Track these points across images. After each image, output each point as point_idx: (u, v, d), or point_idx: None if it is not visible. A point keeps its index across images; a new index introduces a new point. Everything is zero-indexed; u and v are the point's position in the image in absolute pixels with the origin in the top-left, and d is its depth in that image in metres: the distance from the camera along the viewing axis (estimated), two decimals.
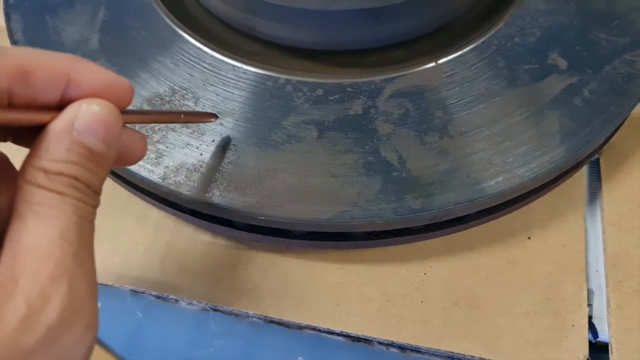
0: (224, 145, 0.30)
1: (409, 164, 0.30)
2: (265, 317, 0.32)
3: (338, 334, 0.31)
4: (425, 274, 0.32)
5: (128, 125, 0.23)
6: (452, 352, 0.30)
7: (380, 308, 0.31)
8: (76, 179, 0.19)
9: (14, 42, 0.35)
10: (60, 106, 0.19)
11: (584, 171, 0.35)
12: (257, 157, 0.30)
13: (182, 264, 0.33)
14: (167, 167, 0.30)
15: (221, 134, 0.31)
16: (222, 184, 0.30)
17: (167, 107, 0.32)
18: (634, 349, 0.29)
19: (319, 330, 0.31)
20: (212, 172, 0.30)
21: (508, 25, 0.33)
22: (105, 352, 0.34)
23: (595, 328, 0.30)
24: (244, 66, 0.32)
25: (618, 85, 0.32)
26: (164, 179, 0.30)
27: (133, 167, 0.30)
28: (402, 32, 0.34)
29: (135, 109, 0.22)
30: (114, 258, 0.33)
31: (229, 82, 0.32)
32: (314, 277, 0.32)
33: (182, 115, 0.28)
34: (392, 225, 0.30)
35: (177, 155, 0.30)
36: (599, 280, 0.32)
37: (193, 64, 0.33)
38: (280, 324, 0.32)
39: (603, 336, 0.30)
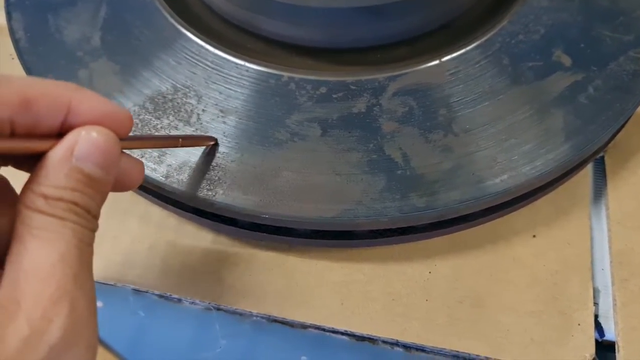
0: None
1: (413, 162, 0.30)
2: (269, 316, 0.31)
3: (342, 333, 0.31)
4: (430, 272, 0.32)
5: (126, 151, 0.24)
6: (457, 351, 0.30)
7: (384, 307, 0.31)
8: (75, 204, 0.19)
9: (15, 40, 0.35)
10: (60, 134, 0.20)
11: (589, 169, 0.35)
12: (261, 156, 0.30)
13: (184, 263, 0.33)
14: (170, 165, 0.30)
15: (224, 132, 0.31)
16: (225, 183, 0.30)
17: (169, 105, 0.32)
18: None
19: (323, 330, 0.31)
20: (215, 170, 0.30)
21: (512, 22, 0.33)
22: (108, 352, 0.33)
23: (601, 327, 0.30)
24: (247, 64, 0.32)
25: (623, 82, 0.32)
26: (166, 177, 0.30)
27: None
28: (406, 30, 0.34)
29: (133, 135, 0.23)
30: (117, 257, 0.33)
31: (231, 80, 0.32)
32: (318, 276, 0.32)
33: (180, 140, 0.28)
34: (397, 224, 0.30)
35: (180, 154, 0.30)
36: (604, 279, 0.32)
37: (195, 61, 0.33)
38: (284, 323, 0.32)
39: (609, 335, 0.30)
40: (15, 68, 0.37)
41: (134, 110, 0.32)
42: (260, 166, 0.30)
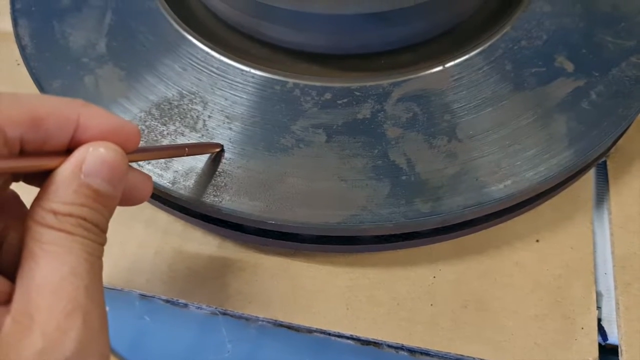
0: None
1: (417, 168, 0.30)
2: (275, 320, 0.32)
3: (347, 338, 0.31)
4: (434, 277, 0.32)
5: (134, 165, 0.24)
6: (461, 355, 0.30)
7: (389, 311, 0.31)
8: (84, 219, 0.20)
9: (21, 47, 0.35)
10: (68, 149, 0.20)
11: (591, 174, 0.35)
12: (266, 162, 0.30)
13: (191, 268, 0.33)
14: (177, 171, 0.30)
15: (230, 139, 0.31)
16: (231, 189, 0.30)
17: (175, 111, 0.32)
18: None
19: (329, 334, 0.31)
20: (222, 176, 0.30)
21: (514, 28, 0.33)
22: (114, 357, 0.34)
23: (604, 330, 0.31)
24: (252, 70, 0.32)
25: (625, 87, 0.32)
26: (173, 183, 0.30)
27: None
28: (410, 36, 0.34)
29: (140, 147, 0.23)
30: (123, 262, 0.33)
31: (237, 86, 0.32)
32: (323, 280, 0.32)
33: (187, 149, 0.28)
34: (402, 229, 0.30)
35: (186, 160, 0.31)
36: (607, 283, 0.32)
37: (201, 68, 0.33)
38: (290, 327, 0.32)
39: (612, 339, 0.30)
40: (21, 74, 0.37)
41: (140, 117, 0.32)
42: (266, 172, 0.30)
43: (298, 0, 0.31)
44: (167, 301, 0.33)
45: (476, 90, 0.32)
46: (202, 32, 0.35)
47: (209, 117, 0.32)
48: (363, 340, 0.31)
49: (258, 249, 0.33)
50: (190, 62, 0.33)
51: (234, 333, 0.32)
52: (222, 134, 0.31)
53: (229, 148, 0.31)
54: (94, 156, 0.20)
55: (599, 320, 0.31)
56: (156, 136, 0.31)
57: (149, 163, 0.31)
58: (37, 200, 0.20)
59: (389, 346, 0.31)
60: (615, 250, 0.32)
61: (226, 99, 0.32)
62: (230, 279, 0.33)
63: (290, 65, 0.34)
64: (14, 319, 0.18)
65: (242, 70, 0.33)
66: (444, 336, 0.30)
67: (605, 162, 0.36)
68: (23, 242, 0.19)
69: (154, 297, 0.33)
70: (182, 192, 0.30)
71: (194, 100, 0.32)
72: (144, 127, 0.32)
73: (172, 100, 0.32)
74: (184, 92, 0.32)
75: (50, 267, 0.19)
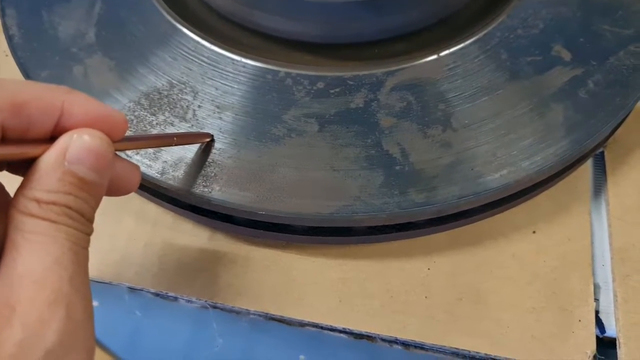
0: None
1: (411, 158, 0.29)
2: (266, 314, 0.31)
3: (340, 331, 0.31)
4: (429, 269, 0.32)
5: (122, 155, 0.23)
6: (457, 349, 0.29)
7: (383, 304, 0.31)
8: (69, 207, 0.19)
9: (9, 37, 0.35)
10: (52, 137, 0.20)
11: (588, 164, 0.35)
12: (258, 151, 0.30)
13: (181, 260, 0.33)
14: (166, 162, 0.30)
15: (220, 128, 0.30)
16: (221, 179, 0.29)
17: (164, 100, 0.31)
18: None
19: (321, 327, 0.31)
20: (212, 166, 0.30)
21: (510, 17, 0.33)
22: (104, 352, 0.33)
23: (602, 323, 0.30)
24: (243, 59, 0.32)
25: (623, 77, 0.31)
26: (162, 174, 0.30)
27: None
28: (404, 25, 0.34)
29: (128, 136, 0.23)
30: (112, 255, 0.33)
31: (228, 75, 0.32)
32: (316, 273, 0.32)
33: (175, 138, 0.28)
34: (396, 220, 0.29)
35: (175, 150, 0.30)
36: (605, 275, 0.31)
37: (191, 57, 0.32)
38: (281, 321, 0.31)
39: (610, 331, 0.30)
40: (9, 65, 0.36)
41: (129, 107, 0.31)
42: (257, 162, 0.30)
43: None
44: (157, 295, 0.32)
45: (471, 80, 0.31)
46: (193, 22, 0.34)
47: (199, 106, 0.31)
48: (356, 334, 0.31)
49: (249, 241, 0.33)
50: (181, 51, 0.33)
51: (224, 327, 0.32)
52: (213, 123, 0.31)
53: (219, 138, 0.30)
54: (78, 143, 0.20)
55: (597, 312, 0.30)
56: (145, 126, 0.31)
57: (138, 153, 0.30)
58: (21, 189, 0.19)
59: (383, 340, 0.31)
60: (613, 242, 0.32)
61: (217, 89, 0.31)
62: (221, 271, 0.32)
63: (282, 54, 0.34)
64: None
65: (233, 59, 0.32)
66: (439, 329, 0.30)
67: (602, 152, 0.35)
68: (6, 233, 0.19)
69: (143, 291, 0.32)
70: (171, 182, 0.29)
71: (184, 90, 0.32)
72: (132, 117, 0.31)
73: (162, 90, 0.32)
74: (174, 81, 0.32)
75: (33, 257, 0.18)
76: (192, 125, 0.31)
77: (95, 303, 0.32)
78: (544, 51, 0.32)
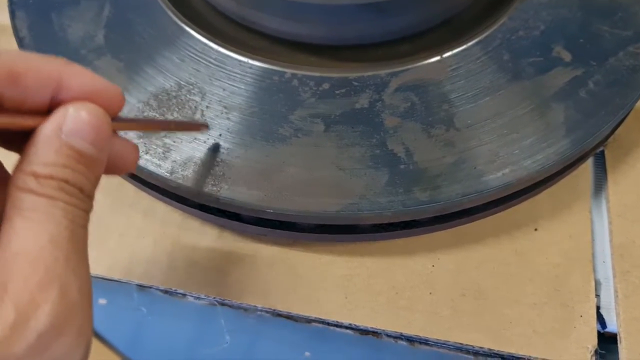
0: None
1: (416, 157, 0.30)
2: (273, 310, 0.32)
3: (346, 327, 0.31)
4: (433, 266, 0.32)
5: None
6: (460, 344, 0.30)
7: (388, 300, 0.31)
8: (66, 181, 0.19)
9: (19, 39, 0.35)
10: (49, 110, 0.20)
11: (589, 163, 0.35)
12: (265, 151, 0.30)
13: (189, 258, 0.33)
14: (175, 161, 0.30)
15: (228, 129, 0.31)
16: (229, 178, 0.30)
17: (173, 101, 0.32)
18: None
19: (327, 324, 0.31)
20: (220, 165, 0.30)
21: (512, 18, 0.34)
22: (111, 350, 0.33)
23: (603, 318, 0.31)
24: (250, 61, 0.32)
25: (622, 77, 0.32)
26: (171, 173, 0.30)
27: (140, 162, 0.30)
28: (407, 26, 0.34)
29: (127, 117, 0.22)
30: (121, 253, 0.33)
31: (235, 76, 0.32)
32: (322, 270, 0.32)
33: (173, 125, 0.28)
34: (400, 218, 0.30)
35: (184, 150, 0.31)
36: (606, 271, 0.32)
37: (199, 59, 0.33)
38: (288, 317, 0.32)
39: (611, 326, 0.30)
40: None
41: (139, 107, 0.32)
42: (264, 162, 0.30)
43: None
44: (166, 292, 0.33)
45: (474, 80, 0.32)
46: (200, 24, 0.35)
47: (207, 107, 0.32)
48: (362, 330, 0.31)
49: (256, 238, 0.33)
50: (189, 53, 0.33)
51: (232, 323, 0.32)
52: (220, 123, 0.31)
53: (227, 138, 0.31)
54: (74, 116, 0.19)
55: (598, 308, 0.31)
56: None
57: (147, 152, 0.30)
58: (18, 164, 0.19)
59: (388, 335, 0.31)
60: (613, 239, 0.32)
61: (224, 90, 0.32)
62: (228, 268, 0.33)
63: (288, 56, 0.34)
64: None
65: (240, 61, 0.33)
66: (443, 325, 0.30)
67: (603, 151, 0.36)
68: (4, 210, 0.18)
69: (151, 288, 0.33)
70: (180, 181, 0.30)
71: (192, 91, 0.32)
72: (142, 117, 0.32)
73: (170, 91, 0.32)
74: (182, 83, 0.32)
75: (27, 235, 0.18)
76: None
77: (103, 300, 0.33)
78: (544, 52, 0.33)
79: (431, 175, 0.29)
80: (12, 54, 0.19)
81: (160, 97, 0.32)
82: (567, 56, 0.33)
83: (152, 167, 0.30)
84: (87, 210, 0.20)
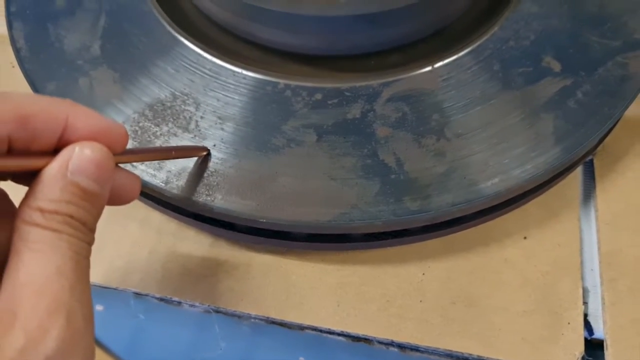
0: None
1: (406, 167, 0.30)
2: (267, 317, 0.32)
3: (338, 334, 0.32)
4: (423, 274, 0.33)
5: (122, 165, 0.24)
6: (450, 351, 0.31)
7: (379, 308, 0.32)
8: (71, 216, 0.20)
9: (16, 49, 0.36)
10: (56, 149, 0.21)
11: (578, 172, 0.36)
12: (258, 161, 0.31)
13: (184, 267, 0.34)
14: (170, 171, 0.31)
15: (222, 139, 0.31)
16: (223, 188, 0.30)
17: (168, 112, 0.32)
18: (628, 345, 0.30)
19: (320, 331, 0.32)
20: (214, 175, 0.31)
21: (503, 29, 0.34)
22: (109, 356, 0.34)
23: (590, 325, 0.31)
24: (244, 71, 0.33)
25: (611, 87, 0.32)
26: (166, 183, 0.31)
27: (136, 172, 0.31)
28: (399, 37, 0.35)
29: (128, 148, 0.23)
30: (118, 261, 0.34)
31: (229, 87, 0.33)
32: (315, 278, 0.33)
33: (174, 152, 0.29)
34: (391, 227, 0.30)
35: (179, 160, 0.31)
36: (594, 279, 0.32)
37: (193, 69, 0.33)
38: (282, 324, 0.32)
39: (598, 333, 0.31)
40: (16, 76, 0.37)
41: (134, 118, 0.32)
42: (258, 171, 0.31)
43: (288, 2, 0.32)
44: (161, 299, 0.33)
45: (465, 90, 0.32)
46: (195, 35, 0.35)
47: (202, 117, 0.32)
48: (354, 337, 0.32)
49: (250, 247, 0.34)
50: (183, 63, 0.34)
51: (227, 331, 0.33)
52: (215, 134, 0.32)
53: (221, 148, 0.31)
54: (80, 155, 0.20)
55: (585, 315, 0.31)
56: (149, 137, 0.32)
57: (143, 163, 0.31)
58: (25, 199, 0.20)
59: (380, 342, 0.32)
60: (601, 247, 0.33)
61: (218, 100, 0.32)
62: (223, 277, 0.33)
63: (281, 66, 0.35)
64: None
65: (234, 71, 0.33)
66: (433, 332, 0.31)
67: (592, 160, 0.36)
68: (11, 242, 0.19)
69: (147, 296, 0.33)
70: (175, 191, 0.30)
71: (187, 102, 0.33)
72: (137, 128, 0.32)
73: (165, 102, 0.33)
74: (177, 93, 0.33)
75: (35, 266, 0.19)
76: (195, 136, 0.32)
77: (100, 307, 0.34)
78: (534, 62, 0.33)
79: (421, 185, 0.30)
80: (22, 97, 0.20)
81: (155, 107, 0.33)
82: (556, 66, 0.33)
83: (147, 178, 0.31)
84: (90, 242, 0.21)
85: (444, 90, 0.32)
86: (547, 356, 0.30)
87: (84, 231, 0.20)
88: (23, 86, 0.35)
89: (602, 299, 0.31)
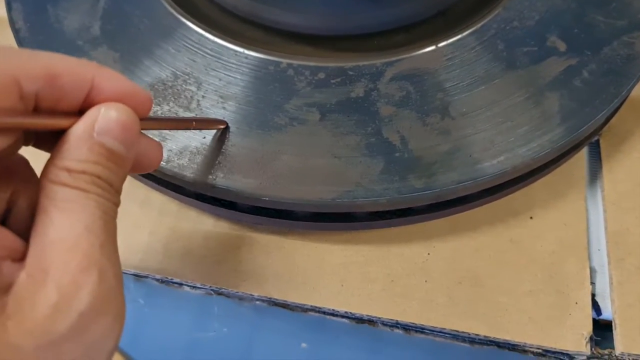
0: (224, 131, 0.31)
1: (411, 145, 0.30)
2: (269, 298, 0.32)
3: (342, 316, 0.31)
4: (429, 254, 0.32)
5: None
6: (456, 331, 0.30)
7: (384, 288, 0.31)
8: (98, 177, 0.20)
9: (15, 30, 0.36)
10: (81, 111, 0.20)
11: (584, 152, 0.35)
12: (260, 140, 0.30)
13: (185, 247, 0.33)
14: (171, 150, 0.30)
15: (224, 118, 0.31)
16: (225, 166, 0.30)
17: (169, 91, 0.32)
18: (636, 325, 0.29)
19: (323, 312, 0.32)
20: (216, 154, 0.30)
21: (507, 9, 0.34)
22: None
23: (598, 305, 0.31)
24: (246, 51, 0.33)
25: (617, 66, 0.32)
26: (167, 162, 0.30)
27: None
28: (403, 17, 0.34)
29: (151, 116, 0.23)
30: (118, 242, 0.33)
31: (231, 67, 0.32)
32: (318, 258, 0.32)
33: (194, 123, 0.29)
34: (396, 205, 0.30)
35: (180, 139, 0.31)
36: (601, 259, 0.32)
37: (195, 49, 0.33)
38: (285, 306, 0.32)
39: (606, 313, 0.30)
40: None
41: None
42: (260, 150, 0.30)
43: None
44: (162, 281, 0.33)
45: (469, 69, 0.32)
46: (197, 15, 0.35)
47: (203, 97, 0.32)
48: (358, 319, 0.31)
49: (252, 227, 0.34)
50: (185, 44, 0.33)
51: (228, 312, 0.32)
52: (216, 113, 0.31)
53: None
54: (106, 116, 0.20)
55: (593, 295, 0.31)
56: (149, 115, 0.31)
57: None
58: (51, 159, 0.20)
59: (384, 324, 0.31)
60: (608, 227, 0.32)
61: (220, 80, 0.32)
62: (224, 257, 0.33)
63: (284, 46, 0.35)
64: (28, 274, 0.18)
65: (236, 51, 0.33)
66: (439, 312, 0.30)
67: (598, 140, 0.36)
68: (37, 202, 0.19)
69: (148, 278, 0.33)
70: (176, 170, 0.30)
71: (188, 81, 0.32)
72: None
73: (166, 81, 0.32)
74: (178, 73, 0.33)
75: (64, 224, 0.18)
76: (196, 115, 0.31)
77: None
78: (539, 42, 0.33)
79: (426, 163, 0.30)
80: (50, 56, 0.20)
81: (156, 87, 0.32)
82: (561, 46, 0.33)
83: None
84: (117, 204, 0.21)
85: (448, 69, 0.32)
86: (555, 337, 0.29)
87: (111, 191, 0.20)
88: None
89: (610, 278, 0.31)
